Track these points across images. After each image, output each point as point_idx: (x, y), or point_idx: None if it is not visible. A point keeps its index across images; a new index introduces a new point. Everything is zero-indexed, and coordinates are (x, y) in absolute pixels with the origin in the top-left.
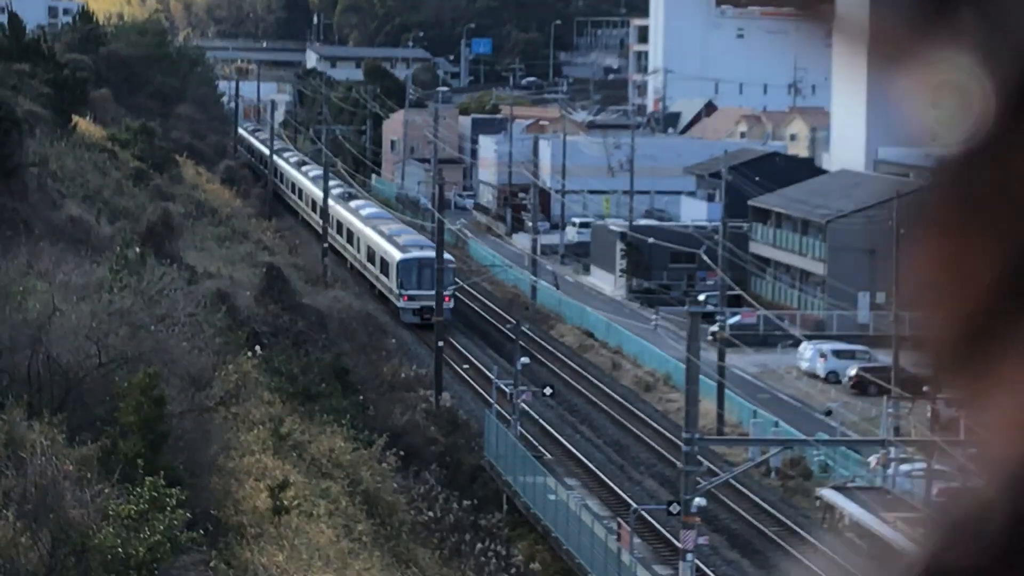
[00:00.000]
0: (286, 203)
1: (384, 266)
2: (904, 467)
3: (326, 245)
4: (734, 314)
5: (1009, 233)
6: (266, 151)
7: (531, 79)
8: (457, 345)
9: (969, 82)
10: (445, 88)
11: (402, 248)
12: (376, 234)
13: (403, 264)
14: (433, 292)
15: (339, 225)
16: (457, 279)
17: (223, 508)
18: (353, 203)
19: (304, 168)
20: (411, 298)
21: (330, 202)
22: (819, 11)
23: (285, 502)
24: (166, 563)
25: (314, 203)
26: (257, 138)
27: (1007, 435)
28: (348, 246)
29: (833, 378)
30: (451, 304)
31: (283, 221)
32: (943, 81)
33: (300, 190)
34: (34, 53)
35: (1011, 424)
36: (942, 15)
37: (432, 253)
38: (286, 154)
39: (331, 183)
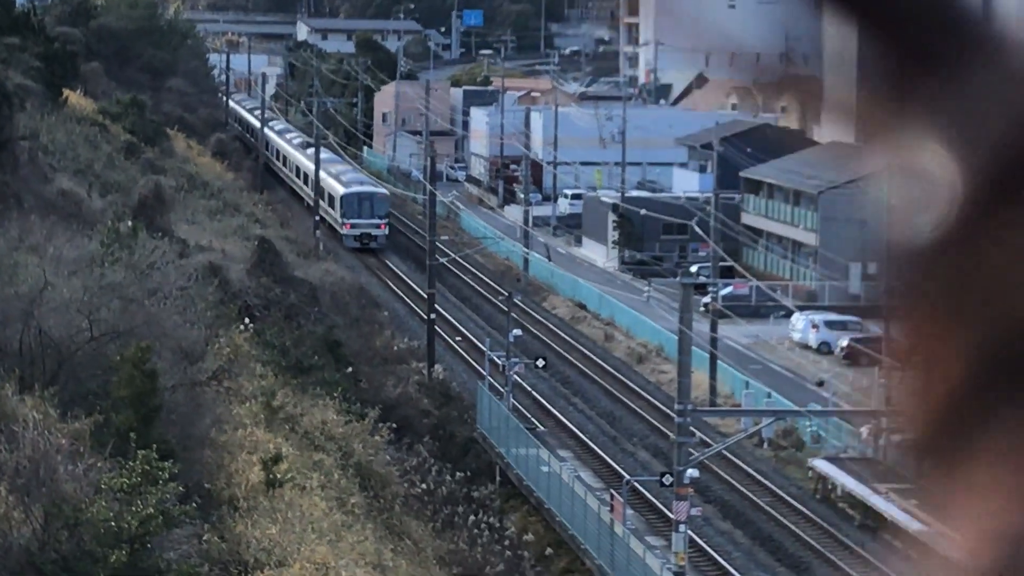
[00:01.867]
0: (277, 176)
1: (331, 200)
2: (896, 437)
3: (317, 218)
4: (726, 285)
5: (978, 321)
6: (257, 124)
7: (487, 51)
8: (449, 317)
9: (937, 168)
10: (488, 52)
11: (345, 184)
12: (325, 174)
13: (346, 197)
14: (371, 220)
15: (297, 169)
16: (452, 247)
17: (216, 481)
18: (309, 150)
19: (286, 134)
20: (353, 226)
21: (290, 149)
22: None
23: (278, 475)
24: (159, 536)
25: (303, 174)
26: (248, 110)
27: (972, 543)
28: (304, 186)
29: (825, 349)
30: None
31: (275, 194)
32: (913, 163)
33: (289, 160)
34: (24, 27)
35: (976, 532)
36: (915, 95)
37: (371, 188)
38: (278, 127)
39: (293, 135)
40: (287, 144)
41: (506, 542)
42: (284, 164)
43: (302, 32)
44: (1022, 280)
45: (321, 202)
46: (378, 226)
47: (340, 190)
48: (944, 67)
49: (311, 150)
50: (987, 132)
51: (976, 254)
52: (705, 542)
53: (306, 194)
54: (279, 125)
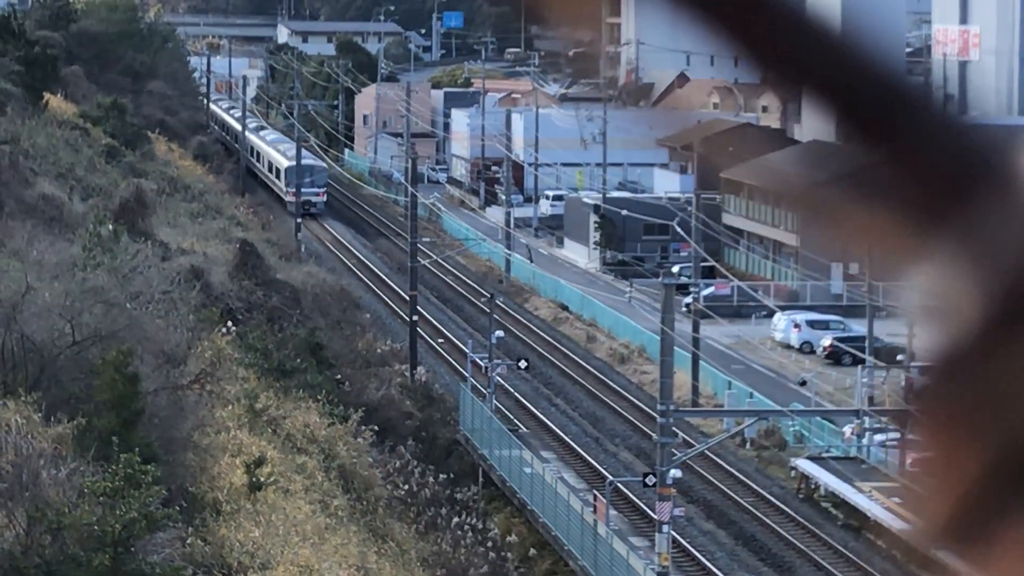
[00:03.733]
0: (259, 179)
1: (277, 172)
2: (879, 437)
3: (299, 220)
4: (708, 285)
5: (991, 436)
6: (238, 126)
7: (515, 49)
8: (431, 319)
9: (956, 290)
10: (516, 50)
11: (290, 158)
12: (275, 151)
13: (290, 170)
14: (312, 190)
15: (251, 149)
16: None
17: (199, 485)
18: (262, 132)
19: (262, 132)
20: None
21: (247, 133)
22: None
23: (261, 478)
24: (142, 540)
25: (255, 152)
26: (229, 113)
27: None
28: (257, 164)
29: (807, 348)
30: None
31: (256, 196)
32: (933, 283)
33: (269, 162)
34: (4, 31)
35: None
36: (938, 221)
37: (312, 161)
38: (261, 131)
39: (247, 120)
40: (265, 143)
41: (489, 544)
42: (236, 141)
43: (283, 35)
44: None
45: (270, 176)
46: (318, 194)
47: (284, 163)
48: (970, 201)
49: (263, 132)
50: (1001, 261)
51: (991, 370)
52: (688, 542)
53: (257, 168)
54: (237, 111)
